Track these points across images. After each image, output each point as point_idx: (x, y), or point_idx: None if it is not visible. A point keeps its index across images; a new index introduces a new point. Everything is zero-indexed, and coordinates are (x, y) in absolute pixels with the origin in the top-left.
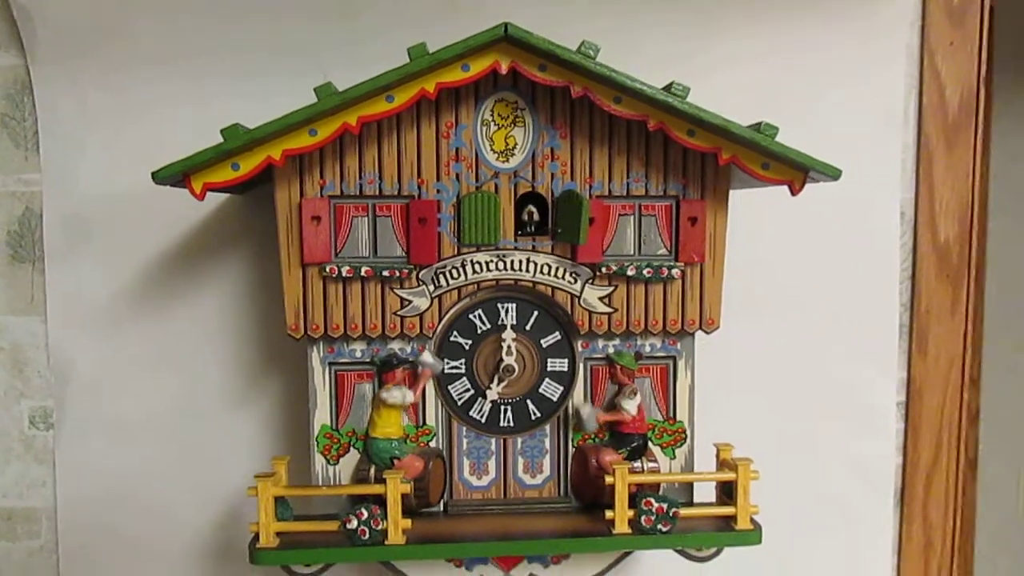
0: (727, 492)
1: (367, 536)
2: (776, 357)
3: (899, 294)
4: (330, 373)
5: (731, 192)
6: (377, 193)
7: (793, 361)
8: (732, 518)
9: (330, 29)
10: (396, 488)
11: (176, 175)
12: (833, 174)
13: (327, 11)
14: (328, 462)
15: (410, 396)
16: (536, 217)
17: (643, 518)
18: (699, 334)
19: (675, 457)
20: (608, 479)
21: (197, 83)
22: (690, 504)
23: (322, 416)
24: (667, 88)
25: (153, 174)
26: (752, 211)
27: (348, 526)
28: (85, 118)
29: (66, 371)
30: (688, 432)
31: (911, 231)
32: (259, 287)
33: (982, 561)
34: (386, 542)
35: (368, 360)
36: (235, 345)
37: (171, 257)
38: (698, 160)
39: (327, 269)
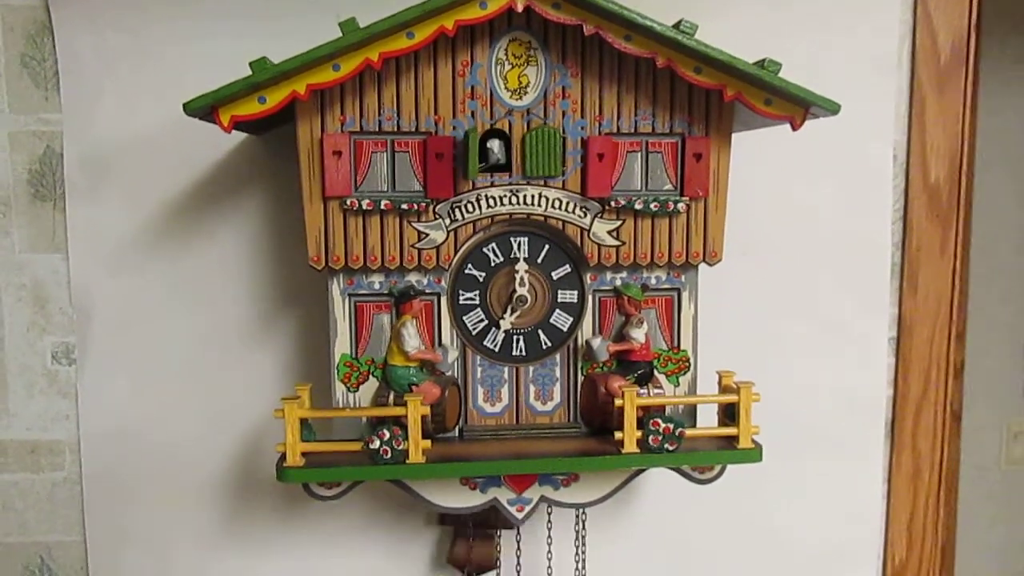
0: (729, 415)
1: (389, 455)
2: (773, 293)
3: (891, 234)
4: (350, 304)
5: (733, 133)
6: (395, 129)
7: (790, 297)
8: (734, 438)
9: None
10: (416, 410)
11: (206, 107)
12: (832, 108)
13: None
14: (348, 390)
15: (421, 347)
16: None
17: (651, 438)
18: (702, 267)
19: (679, 384)
20: (617, 402)
21: (214, 22)
22: (694, 426)
23: (342, 345)
24: (676, 26)
25: (184, 105)
26: (750, 153)
27: (371, 446)
28: (104, 58)
29: (88, 308)
30: (692, 360)
31: (903, 173)
32: (277, 224)
33: (964, 505)
34: (407, 461)
35: (386, 292)
36: (254, 280)
37: (190, 195)
38: (703, 98)
39: (347, 202)
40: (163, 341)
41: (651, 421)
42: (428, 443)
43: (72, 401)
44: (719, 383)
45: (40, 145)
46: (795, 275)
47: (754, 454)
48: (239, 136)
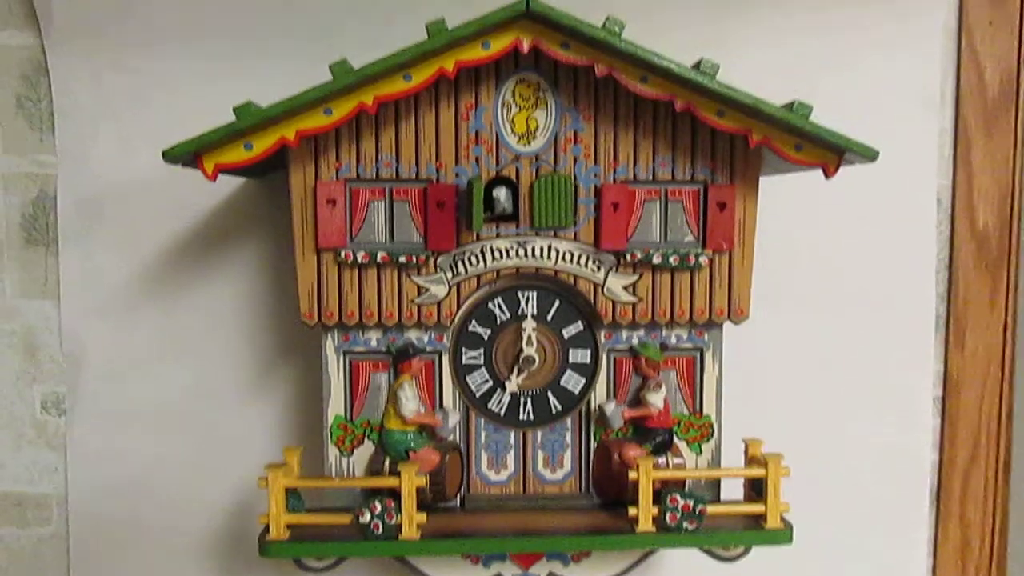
0: (756, 489)
1: (380, 530)
2: (806, 349)
3: (935, 284)
4: (345, 362)
5: (760, 178)
6: (394, 176)
7: (824, 353)
8: (761, 516)
9: (347, 9)
10: (411, 481)
11: (187, 154)
12: (870, 155)
13: None
14: (342, 453)
15: (421, 409)
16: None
17: (668, 515)
18: (726, 324)
19: (701, 452)
20: (632, 475)
21: (212, 64)
22: (717, 501)
23: (336, 406)
24: (696, 66)
25: (164, 152)
26: (782, 198)
27: (361, 519)
28: (99, 100)
29: (79, 356)
30: (715, 426)
31: (948, 219)
32: (274, 274)
33: (1016, 561)
34: (400, 536)
35: (384, 349)
36: (249, 332)
37: (185, 242)
38: (727, 143)
39: (342, 254)
40: (155, 392)
41: (669, 497)
42: (423, 517)
43: (61, 453)
44: (745, 452)
45: (34, 188)
46: (830, 330)
47: (783, 535)
48: (237, 180)
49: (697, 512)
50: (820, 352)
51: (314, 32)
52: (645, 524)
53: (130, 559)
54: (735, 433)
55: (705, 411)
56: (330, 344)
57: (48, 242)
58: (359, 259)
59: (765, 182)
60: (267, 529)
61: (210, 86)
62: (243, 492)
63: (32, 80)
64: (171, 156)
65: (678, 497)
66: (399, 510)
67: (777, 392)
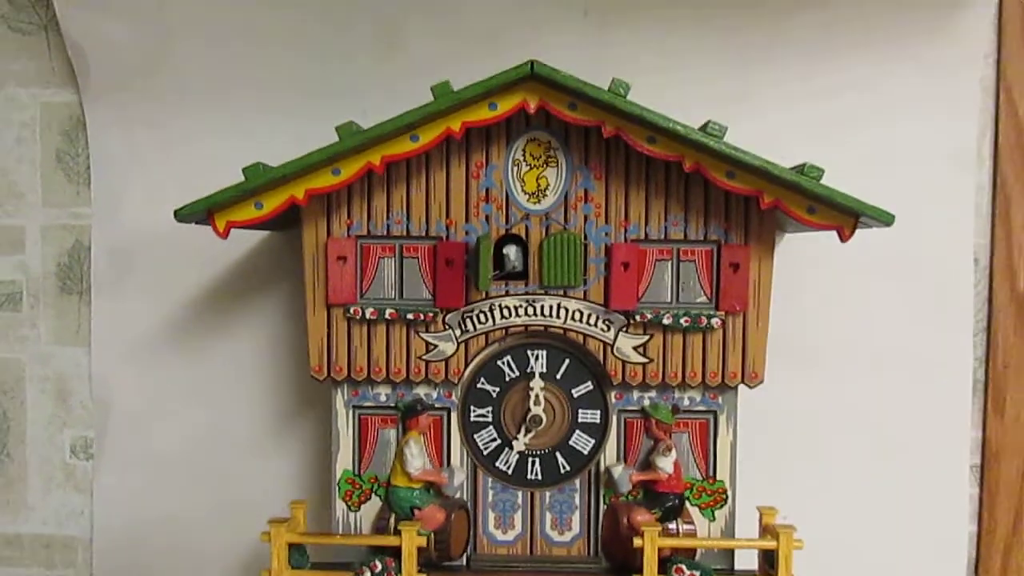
0: (769, 561)
1: None
2: (837, 413)
3: (973, 347)
4: (354, 416)
5: (786, 235)
6: (404, 234)
7: (855, 419)
8: None
9: (371, 68)
10: (411, 540)
11: (199, 213)
12: (886, 220)
13: (368, 49)
14: (349, 508)
15: (427, 466)
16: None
17: None
18: (745, 388)
19: (714, 519)
20: (637, 541)
21: (241, 119)
22: (730, 572)
23: (344, 461)
24: (703, 128)
25: (176, 212)
26: (807, 255)
27: None
28: (132, 153)
29: (107, 402)
30: (729, 493)
31: (986, 279)
32: (295, 326)
33: None
34: None
35: (393, 405)
36: (270, 383)
37: (210, 292)
38: (741, 203)
39: (351, 310)
40: (178, 439)
41: (674, 568)
42: None
43: (88, 496)
44: (760, 521)
45: (70, 239)
46: (863, 394)
47: None
48: (260, 233)
49: None
50: (851, 417)
51: (340, 91)
52: None
53: None
54: (758, 500)
55: (719, 476)
56: (340, 398)
57: (82, 291)
58: (367, 315)
59: (789, 238)
60: None
61: (236, 140)
62: (258, 543)
63: (71, 135)
64: (182, 215)
65: (684, 568)
66: (399, 570)
67: (805, 458)
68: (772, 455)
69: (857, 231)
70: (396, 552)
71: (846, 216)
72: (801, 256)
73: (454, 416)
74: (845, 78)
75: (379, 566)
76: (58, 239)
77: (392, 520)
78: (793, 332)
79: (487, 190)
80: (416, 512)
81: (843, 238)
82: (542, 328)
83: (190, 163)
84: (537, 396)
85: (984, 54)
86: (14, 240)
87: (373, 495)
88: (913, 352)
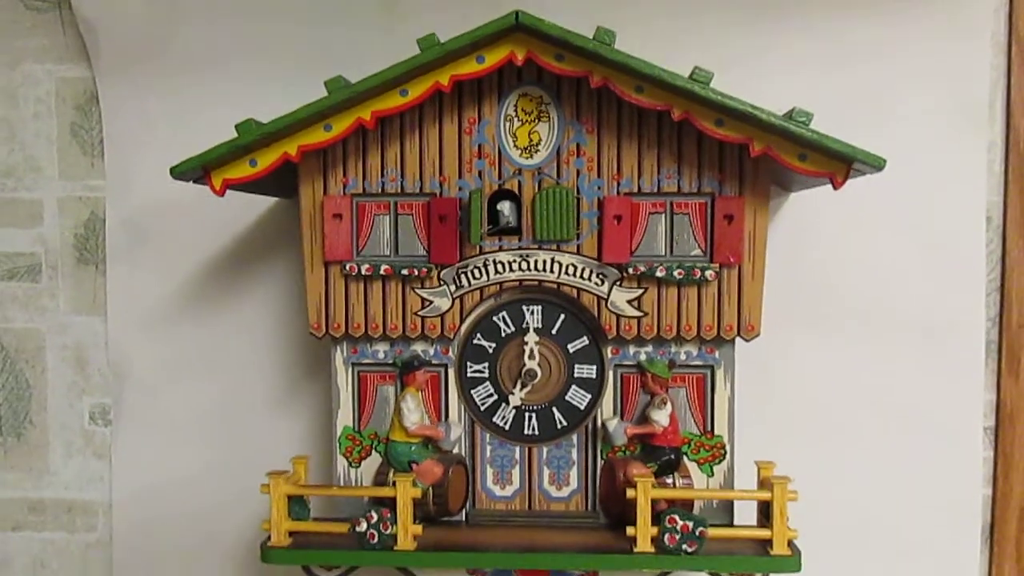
0: (767, 515)
1: (376, 540)
2: (848, 375)
3: (986, 308)
4: (353, 374)
5: (791, 195)
6: (399, 191)
7: (866, 380)
8: (768, 541)
9: (375, 38)
10: (406, 492)
11: (195, 170)
12: (877, 164)
13: (373, 20)
14: (350, 464)
15: (424, 422)
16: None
17: (666, 536)
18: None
19: (713, 474)
20: (629, 492)
21: (250, 91)
22: (728, 526)
23: (345, 418)
24: (690, 75)
25: (172, 169)
26: (816, 213)
27: (357, 528)
28: (144, 126)
29: (123, 369)
30: (728, 448)
31: (999, 238)
32: (302, 291)
33: None
34: (395, 547)
35: (391, 362)
36: (280, 348)
37: (221, 261)
38: (735, 154)
39: (347, 267)
40: (193, 404)
41: (667, 517)
42: (419, 529)
43: (106, 462)
44: (758, 475)
45: (85, 211)
46: (873, 355)
47: (790, 562)
48: (268, 201)
49: (697, 534)
50: (862, 378)
51: (347, 59)
52: (643, 544)
53: (168, 566)
54: (765, 457)
55: (717, 431)
56: (339, 356)
57: (97, 262)
58: (363, 271)
59: (802, 197)
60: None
61: (245, 111)
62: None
63: (85, 109)
64: (179, 172)
65: (677, 518)
66: (395, 521)
67: (816, 421)
68: (782, 418)
69: (879, 196)
70: (393, 504)
71: (838, 163)
72: (812, 215)
73: (451, 372)
74: (856, 37)
75: (375, 516)
76: (74, 211)
77: (391, 475)
78: (803, 292)
79: (480, 146)
80: (414, 466)
81: (836, 185)
82: (536, 283)
83: (200, 135)
84: (532, 351)
85: (994, 8)
86: (33, 213)
87: (373, 451)
88: (925, 312)
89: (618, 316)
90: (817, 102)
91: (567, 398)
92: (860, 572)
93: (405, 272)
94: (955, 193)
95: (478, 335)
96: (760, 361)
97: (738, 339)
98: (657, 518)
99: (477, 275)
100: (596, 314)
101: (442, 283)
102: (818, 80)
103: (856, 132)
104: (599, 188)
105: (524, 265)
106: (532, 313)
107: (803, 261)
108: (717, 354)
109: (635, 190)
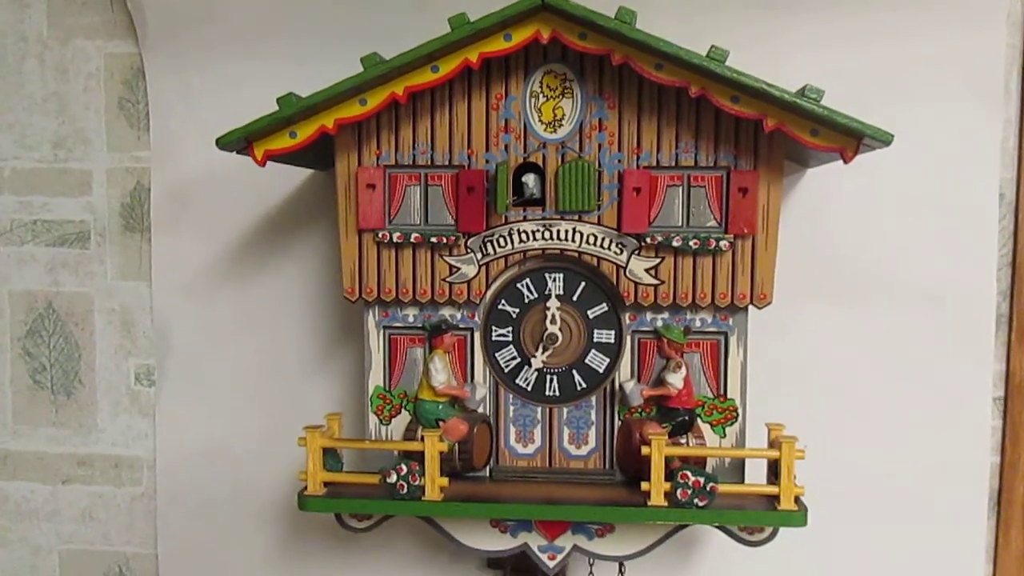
0: (776, 473)
1: (405, 490)
2: (860, 345)
3: (997, 281)
4: (384, 336)
5: (810, 169)
6: (429, 163)
7: (878, 349)
8: (776, 497)
9: (408, 16)
10: (434, 446)
11: (239, 141)
12: (885, 139)
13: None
14: (381, 422)
15: (450, 382)
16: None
17: (679, 491)
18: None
19: (725, 436)
20: (644, 450)
21: (288, 65)
22: (739, 483)
23: (376, 377)
24: (708, 54)
25: (217, 140)
26: (832, 187)
27: (388, 480)
28: (188, 98)
29: (167, 333)
30: (740, 411)
31: (1012, 213)
32: (338, 258)
33: None
34: (423, 498)
35: (420, 325)
36: (315, 311)
37: (260, 229)
38: (750, 129)
39: (380, 235)
40: (233, 366)
41: (680, 473)
42: (445, 481)
43: (151, 420)
44: (768, 437)
45: (131, 181)
46: (886, 326)
47: (797, 517)
48: (306, 172)
49: (708, 489)
50: (874, 348)
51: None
52: (657, 499)
53: (210, 519)
54: (781, 420)
55: (729, 395)
56: (371, 319)
57: (143, 229)
58: (394, 239)
59: (819, 173)
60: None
61: (284, 85)
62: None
63: (132, 84)
64: (224, 143)
65: (689, 474)
66: (423, 473)
67: (829, 388)
68: (795, 384)
69: (895, 173)
70: (421, 458)
71: (848, 138)
72: (828, 190)
73: (477, 336)
74: (871, 18)
75: (404, 468)
76: (121, 181)
77: (419, 432)
78: (819, 264)
79: (506, 121)
80: (441, 424)
81: (846, 160)
82: (558, 252)
83: (241, 108)
84: (554, 316)
85: None
86: (82, 183)
87: (403, 410)
88: (937, 284)
89: (636, 284)
90: (836, 78)
91: (587, 361)
92: (870, 537)
93: (434, 240)
94: (969, 169)
95: (503, 301)
96: (775, 329)
97: (751, 307)
98: (671, 475)
99: (502, 244)
100: (615, 282)
101: (469, 251)
102: (836, 58)
103: (872, 109)
104: (619, 161)
105: (547, 234)
106: (554, 280)
107: (819, 234)
108: (731, 321)
109: (654, 163)
